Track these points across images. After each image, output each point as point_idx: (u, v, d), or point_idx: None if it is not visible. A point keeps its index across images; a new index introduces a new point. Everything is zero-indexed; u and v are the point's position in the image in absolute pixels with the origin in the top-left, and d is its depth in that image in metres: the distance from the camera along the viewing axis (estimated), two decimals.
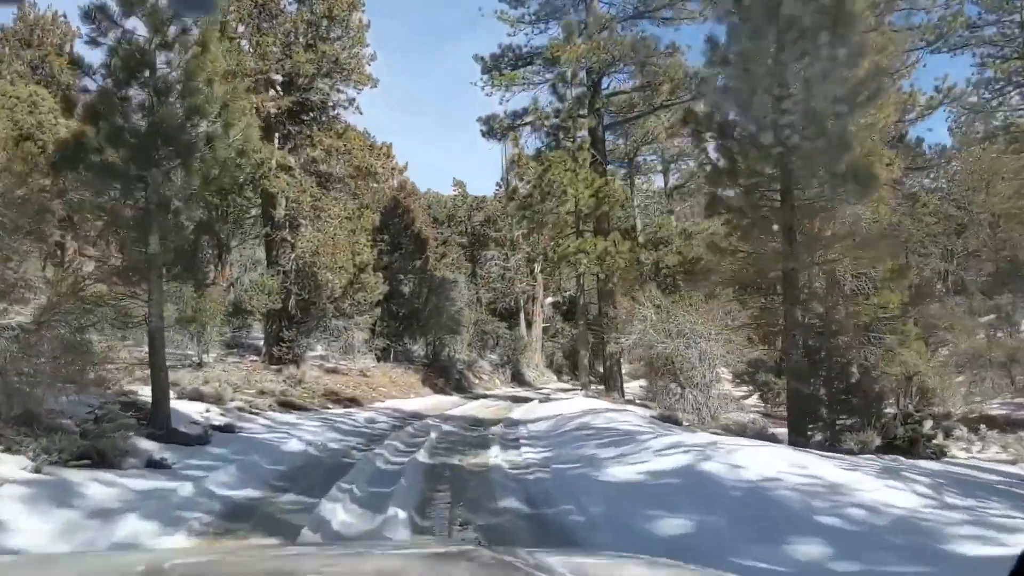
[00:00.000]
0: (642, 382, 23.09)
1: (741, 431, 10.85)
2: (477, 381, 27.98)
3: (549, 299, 40.80)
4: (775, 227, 10.45)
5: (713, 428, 11.60)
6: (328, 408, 16.68)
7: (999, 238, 25.61)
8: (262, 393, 16.67)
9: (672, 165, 36.85)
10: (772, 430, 11.66)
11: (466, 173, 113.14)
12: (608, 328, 19.76)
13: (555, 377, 39.67)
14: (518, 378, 32.57)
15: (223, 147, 9.22)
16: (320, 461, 9.32)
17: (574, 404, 16.04)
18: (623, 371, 21.46)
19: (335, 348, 22.83)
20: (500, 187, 41.50)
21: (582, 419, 12.03)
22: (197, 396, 13.83)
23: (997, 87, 19.49)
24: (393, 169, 22.36)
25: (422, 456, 9.26)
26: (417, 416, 16.34)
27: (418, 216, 30.64)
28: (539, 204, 19.38)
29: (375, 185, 24.07)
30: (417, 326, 26.78)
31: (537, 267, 39.94)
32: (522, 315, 40.07)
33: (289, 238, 22.23)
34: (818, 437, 10.67)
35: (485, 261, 41.31)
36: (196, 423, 10.38)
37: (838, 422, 11.28)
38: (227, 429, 10.72)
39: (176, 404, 10.76)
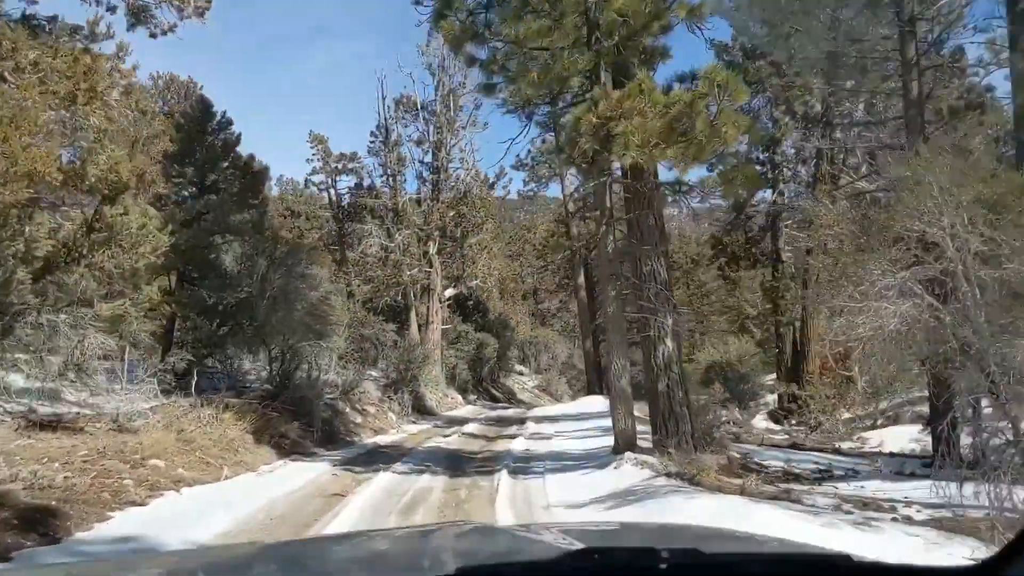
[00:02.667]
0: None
1: None
2: (360, 419, 16.35)
3: (449, 291, 29.68)
4: None
5: None
6: None
7: None
8: None
9: None
10: None
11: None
12: (663, 309, 9.09)
13: (461, 397, 28.57)
14: (420, 406, 21.17)
15: None
16: None
17: None
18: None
19: (58, 372, 10.60)
20: (377, 136, 30.03)
21: None
22: None
23: None
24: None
25: None
26: None
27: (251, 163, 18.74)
28: (511, 24, 8.47)
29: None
30: (251, 326, 14.92)
31: (432, 248, 28.79)
32: (413, 314, 28.68)
33: None
34: None
35: (359, 240, 29.53)
36: None
37: None
38: None
39: None
